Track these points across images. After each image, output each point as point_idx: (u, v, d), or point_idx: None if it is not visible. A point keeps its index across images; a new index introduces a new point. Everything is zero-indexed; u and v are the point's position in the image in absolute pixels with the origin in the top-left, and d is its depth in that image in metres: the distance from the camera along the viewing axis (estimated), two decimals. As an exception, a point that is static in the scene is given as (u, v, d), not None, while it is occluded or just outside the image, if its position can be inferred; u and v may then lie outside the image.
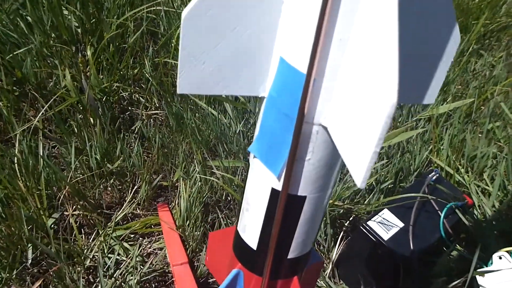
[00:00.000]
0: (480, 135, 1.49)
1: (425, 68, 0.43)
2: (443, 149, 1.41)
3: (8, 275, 0.98)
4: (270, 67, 0.41)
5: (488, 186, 1.33)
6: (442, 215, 1.13)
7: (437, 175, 1.22)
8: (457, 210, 1.17)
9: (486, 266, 1.11)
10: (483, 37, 2.02)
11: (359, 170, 0.33)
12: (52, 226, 1.11)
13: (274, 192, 0.45)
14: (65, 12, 1.51)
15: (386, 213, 1.11)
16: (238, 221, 0.54)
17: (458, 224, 1.20)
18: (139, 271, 1.04)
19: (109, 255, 1.08)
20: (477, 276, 1.08)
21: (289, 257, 0.50)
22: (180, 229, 1.15)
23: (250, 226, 0.50)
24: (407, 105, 1.53)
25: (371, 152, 0.32)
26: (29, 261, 1.03)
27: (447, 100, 1.62)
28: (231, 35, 0.38)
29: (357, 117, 0.34)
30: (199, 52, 0.38)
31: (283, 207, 0.44)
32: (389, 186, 1.29)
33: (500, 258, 1.10)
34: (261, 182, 0.46)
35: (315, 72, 0.36)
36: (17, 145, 1.17)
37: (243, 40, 0.39)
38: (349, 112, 0.35)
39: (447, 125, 1.50)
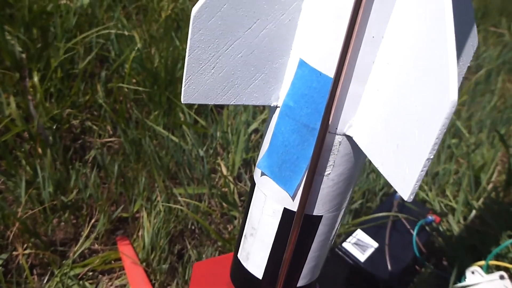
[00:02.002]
0: (438, 151, 1.51)
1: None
2: (405, 167, 1.42)
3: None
4: (286, 72, 0.37)
5: (451, 202, 1.34)
6: (414, 234, 1.12)
7: (406, 193, 1.21)
8: (427, 227, 1.17)
9: (460, 282, 1.10)
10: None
11: (406, 182, 0.29)
12: (1, 268, 0.99)
13: (286, 213, 0.40)
14: (8, 37, 1.41)
15: (359, 234, 1.09)
16: (237, 248, 0.48)
17: (429, 241, 1.19)
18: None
19: (67, 297, 0.98)
20: (453, 293, 1.07)
21: (298, 284, 0.46)
22: (144, 263, 1.07)
23: (255, 253, 0.45)
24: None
25: (424, 160, 0.28)
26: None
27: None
28: (245, 35, 0.34)
29: (400, 122, 0.30)
30: (209, 55, 0.34)
31: (298, 229, 0.40)
32: (357, 207, 1.27)
33: (473, 273, 1.10)
34: (271, 203, 0.41)
35: (343, 74, 0.33)
36: (-43, 179, 1.05)
37: (258, 40, 0.34)
38: (386, 118, 0.32)
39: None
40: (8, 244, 1.03)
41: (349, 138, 0.36)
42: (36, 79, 1.35)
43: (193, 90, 0.35)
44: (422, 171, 0.28)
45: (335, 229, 0.44)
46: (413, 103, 0.29)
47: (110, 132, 1.37)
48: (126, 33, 1.56)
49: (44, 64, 1.40)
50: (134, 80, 1.48)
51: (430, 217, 1.16)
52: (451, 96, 0.26)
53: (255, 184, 0.43)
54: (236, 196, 1.23)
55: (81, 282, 1.01)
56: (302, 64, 0.35)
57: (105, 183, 1.23)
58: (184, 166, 1.27)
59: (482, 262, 1.11)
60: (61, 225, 1.12)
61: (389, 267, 1.02)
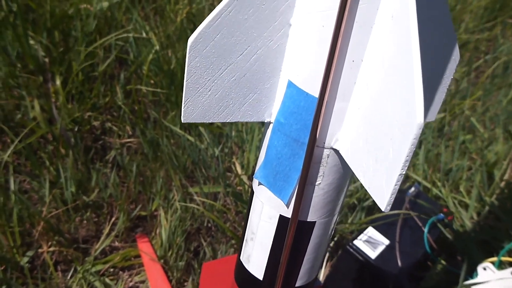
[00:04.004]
0: (452, 147, 1.52)
1: (427, 85, 0.43)
2: (419, 164, 1.43)
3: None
4: (277, 91, 0.40)
5: (465, 198, 1.35)
6: (425, 230, 1.13)
7: (417, 189, 1.23)
8: (439, 224, 1.18)
9: (472, 278, 1.11)
10: (446, 53, 2.09)
11: (383, 194, 0.32)
12: (27, 264, 1.05)
13: (282, 219, 0.44)
14: (31, 41, 1.47)
15: (371, 231, 1.11)
16: (240, 251, 0.52)
17: (441, 238, 1.21)
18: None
19: (90, 292, 1.04)
20: (464, 289, 1.09)
21: (297, 285, 0.49)
22: (162, 260, 1.11)
23: (255, 256, 0.48)
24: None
25: (396, 175, 0.31)
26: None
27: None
28: (237, 60, 0.37)
29: (377, 139, 0.33)
30: (205, 79, 0.37)
31: (293, 234, 0.43)
32: (370, 204, 1.29)
33: (485, 269, 1.11)
34: (267, 210, 0.44)
35: (327, 94, 0.35)
36: (-14, 181, 1.11)
37: (249, 65, 0.37)
38: (366, 134, 0.35)
39: (421, 139, 1.53)
40: (34, 242, 1.09)
41: (336, 151, 0.39)
42: (58, 82, 1.40)
43: (192, 110, 0.38)
44: (396, 185, 0.31)
45: (329, 233, 0.47)
46: (387, 122, 0.32)
47: (130, 132, 1.42)
48: (144, 35, 1.61)
49: (66, 68, 1.45)
50: (151, 81, 1.53)
51: (441, 214, 1.18)
52: (418, 118, 0.29)
53: (253, 192, 0.46)
54: (250, 194, 1.26)
55: (102, 278, 1.06)
56: (290, 84, 0.38)
57: (125, 183, 1.27)
58: (200, 165, 1.31)
59: (494, 258, 1.12)
60: (83, 223, 1.18)
61: (399, 264, 1.04)
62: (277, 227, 0.44)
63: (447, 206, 1.32)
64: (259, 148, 1.36)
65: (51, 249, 1.09)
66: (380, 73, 0.33)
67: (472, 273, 1.13)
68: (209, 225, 1.21)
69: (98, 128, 1.41)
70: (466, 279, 1.11)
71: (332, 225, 0.46)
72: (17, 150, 1.25)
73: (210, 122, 0.39)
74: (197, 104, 0.38)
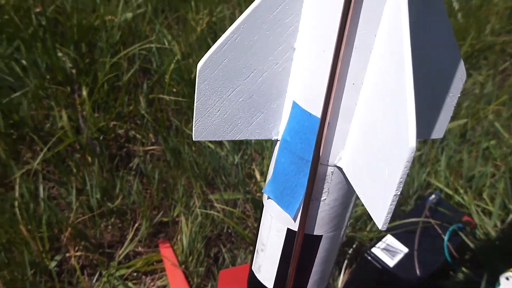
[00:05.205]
0: (475, 153, 1.50)
1: (433, 104, 0.44)
2: (440, 170, 1.42)
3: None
4: (283, 110, 0.42)
5: (488, 206, 1.34)
6: (445, 238, 1.13)
7: (438, 197, 1.23)
8: (460, 232, 1.18)
9: None
10: (471, 57, 2.07)
11: (380, 213, 0.34)
12: (55, 268, 1.09)
13: (290, 232, 0.46)
14: (59, 54, 1.52)
15: (389, 239, 1.11)
16: (252, 260, 0.54)
17: (462, 246, 1.20)
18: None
19: (114, 296, 1.07)
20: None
21: (306, 295, 0.50)
22: (183, 266, 1.14)
23: (265, 266, 0.50)
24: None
25: (391, 196, 0.32)
26: (33, 307, 1.01)
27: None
28: (244, 82, 0.39)
29: (374, 159, 0.35)
30: (213, 101, 0.39)
31: (300, 247, 0.45)
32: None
33: (508, 279, 1.10)
34: (276, 223, 0.46)
35: (329, 115, 0.37)
36: (17, 188, 1.16)
37: (256, 87, 0.39)
38: (365, 154, 0.36)
39: (443, 146, 1.52)
40: (62, 247, 1.13)
41: (340, 169, 0.41)
42: (84, 92, 1.45)
43: (202, 129, 0.40)
44: (391, 205, 0.33)
45: (337, 246, 0.48)
46: (383, 145, 0.33)
47: (152, 140, 1.46)
48: (166, 45, 1.65)
49: (92, 78, 1.50)
50: (174, 90, 1.56)
51: (461, 224, 1.17)
52: (410, 143, 0.30)
53: (263, 205, 0.48)
54: (270, 201, 1.28)
55: (125, 282, 1.10)
56: (295, 105, 0.40)
57: (147, 189, 1.31)
58: (220, 173, 1.33)
59: (517, 268, 1.11)
60: (108, 229, 1.21)
61: (417, 272, 1.04)
62: (285, 240, 0.46)
63: (470, 214, 1.30)
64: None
65: (78, 253, 1.13)
66: (377, 98, 0.34)
67: (494, 282, 1.11)
68: (229, 231, 1.23)
69: (122, 136, 1.45)
70: (487, 288, 1.10)
71: (340, 238, 0.48)
72: (46, 158, 1.30)
73: (220, 140, 0.41)
74: (207, 124, 0.40)
